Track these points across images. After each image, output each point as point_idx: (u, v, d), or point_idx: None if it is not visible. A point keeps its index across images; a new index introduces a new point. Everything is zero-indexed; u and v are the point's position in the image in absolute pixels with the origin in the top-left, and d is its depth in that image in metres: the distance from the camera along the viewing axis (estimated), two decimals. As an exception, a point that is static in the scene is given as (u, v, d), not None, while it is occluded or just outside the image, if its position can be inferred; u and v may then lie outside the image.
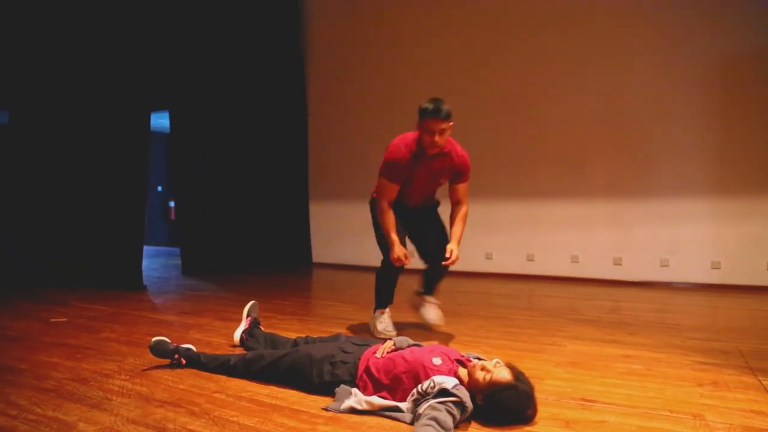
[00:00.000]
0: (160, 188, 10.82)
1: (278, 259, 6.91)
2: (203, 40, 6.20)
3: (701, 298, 4.81)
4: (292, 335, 2.82)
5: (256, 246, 6.75)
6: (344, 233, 7.03)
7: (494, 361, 1.97)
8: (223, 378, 2.36)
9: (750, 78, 5.10)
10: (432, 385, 1.88)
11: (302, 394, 2.16)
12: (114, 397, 2.12)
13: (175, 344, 2.52)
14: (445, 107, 2.82)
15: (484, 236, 6.10)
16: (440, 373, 1.98)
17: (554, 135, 5.85)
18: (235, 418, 1.92)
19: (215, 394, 2.17)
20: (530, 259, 6.01)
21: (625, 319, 3.85)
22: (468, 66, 6.31)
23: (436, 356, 2.07)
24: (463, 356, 2.14)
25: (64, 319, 3.65)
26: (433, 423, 1.72)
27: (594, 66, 5.68)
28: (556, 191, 5.86)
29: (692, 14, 5.29)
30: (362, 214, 7.51)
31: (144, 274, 5.36)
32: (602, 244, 5.71)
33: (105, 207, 5.24)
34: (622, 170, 5.59)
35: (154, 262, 7.48)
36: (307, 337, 2.74)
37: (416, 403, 1.89)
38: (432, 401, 1.82)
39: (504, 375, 1.88)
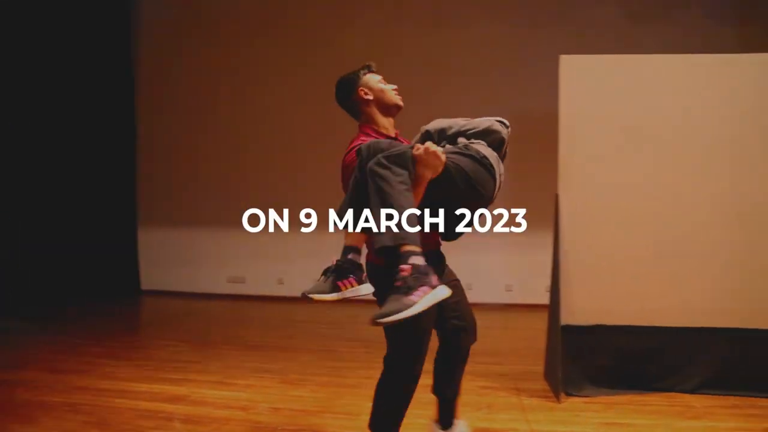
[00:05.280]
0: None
1: (101, 287, 6.59)
2: (26, 49, 5.87)
3: (497, 318, 5.69)
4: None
5: (75, 274, 6.39)
6: (176, 259, 7.00)
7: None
8: None
9: (535, 135, 6.10)
10: None
11: None
12: None
13: None
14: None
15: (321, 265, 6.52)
16: None
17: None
18: None
19: None
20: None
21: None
22: (302, 82, 6.66)
23: None
24: None
25: None
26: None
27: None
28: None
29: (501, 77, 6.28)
30: (195, 238, 7.51)
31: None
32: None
33: None
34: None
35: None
36: None
37: None
38: None
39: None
